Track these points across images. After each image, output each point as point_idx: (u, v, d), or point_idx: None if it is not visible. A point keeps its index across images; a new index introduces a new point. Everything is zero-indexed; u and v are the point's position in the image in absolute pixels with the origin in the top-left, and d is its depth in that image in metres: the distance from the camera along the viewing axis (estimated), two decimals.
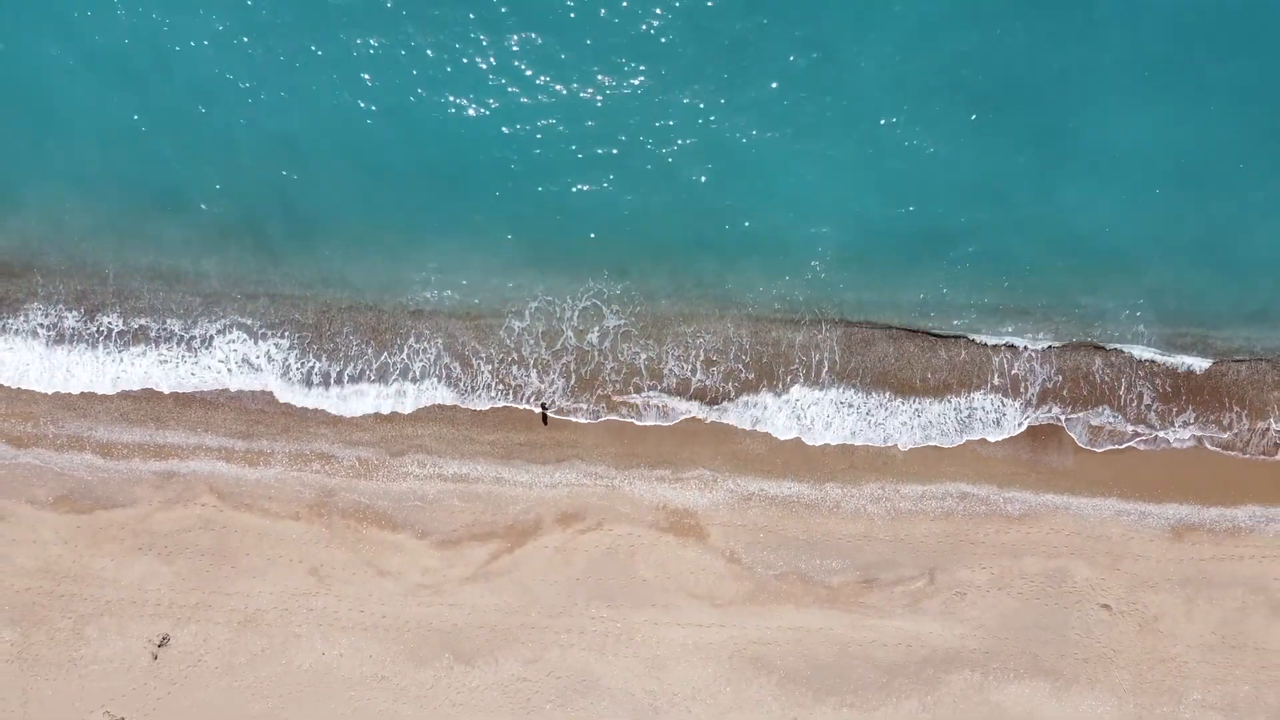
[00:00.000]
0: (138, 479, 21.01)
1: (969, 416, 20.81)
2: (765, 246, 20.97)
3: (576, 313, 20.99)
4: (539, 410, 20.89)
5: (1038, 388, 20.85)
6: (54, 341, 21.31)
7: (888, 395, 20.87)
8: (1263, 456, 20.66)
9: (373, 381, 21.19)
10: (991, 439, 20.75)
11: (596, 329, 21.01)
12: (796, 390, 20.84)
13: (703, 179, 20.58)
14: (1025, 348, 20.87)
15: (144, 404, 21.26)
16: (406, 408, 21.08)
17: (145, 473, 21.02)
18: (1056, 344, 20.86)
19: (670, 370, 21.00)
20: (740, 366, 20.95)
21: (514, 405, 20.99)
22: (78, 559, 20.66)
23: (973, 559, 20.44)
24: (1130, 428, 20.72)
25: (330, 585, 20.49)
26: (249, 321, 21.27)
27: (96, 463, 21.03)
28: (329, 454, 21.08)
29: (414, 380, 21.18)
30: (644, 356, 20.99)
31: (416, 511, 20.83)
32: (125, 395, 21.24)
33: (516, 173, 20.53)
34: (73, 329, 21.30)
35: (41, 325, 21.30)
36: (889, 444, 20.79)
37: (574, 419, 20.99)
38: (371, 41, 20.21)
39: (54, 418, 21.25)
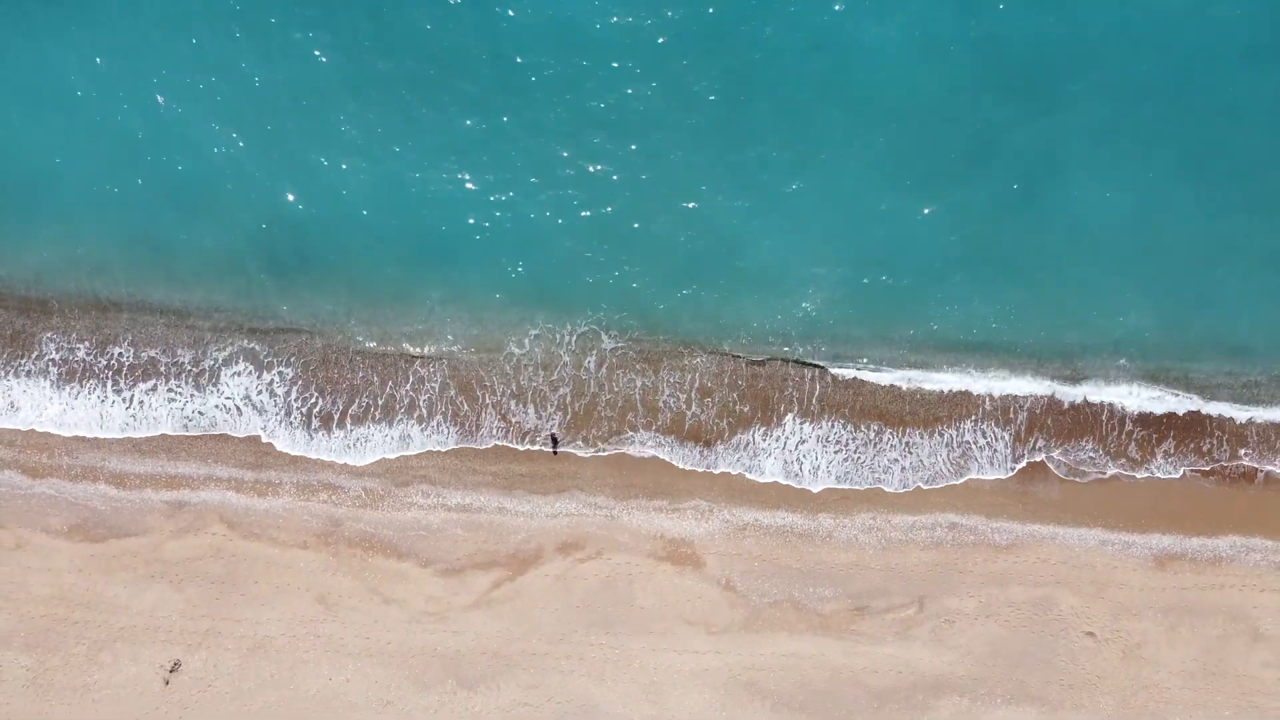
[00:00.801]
0: (150, 509, 21.62)
1: (963, 456, 21.46)
2: (758, 287, 21.66)
3: (575, 338, 21.69)
4: (549, 439, 21.53)
5: (1025, 418, 21.50)
6: (64, 380, 22.01)
7: (875, 431, 21.54)
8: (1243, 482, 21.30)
9: (378, 422, 21.84)
10: (984, 477, 21.43)
11: (593, 355, 21.67)
12: (789, 426, 21.47)
13: (693, 233, 21.42)
14: (1014, 397, 21.54)
15: (156, 436, 21.90)
16: (412, 450, 21.77)
17: (157, 502, 21.63)
18: (1042, 391, 21.52)
19: (665, 403, 21.63)
20: (735, 397, 21.59)
21: (516, 446, 21.66)
22: (91, 586, 21.26)
23: (961, 587, 21.03)
24: (1111, 464, 21.34)
25: (337, 612, 21.08)
26: (254, 348, 21.93)
27: (110, 493, 21.64)
28: (335, 484, 21.68)
29: (419, 419, 21.84)
30: (639, 384, 21.61)
31: (421, 540, 21.42)
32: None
33: (509, 234, 21.48)
34: (83, 363, 21.97)
35: (54, 362, 21.98)
36: (877, 485, 21.48)
37: (574, 451, 21.63)
38: (369, 114, 21.02)
39: (68, 449, 21.86)
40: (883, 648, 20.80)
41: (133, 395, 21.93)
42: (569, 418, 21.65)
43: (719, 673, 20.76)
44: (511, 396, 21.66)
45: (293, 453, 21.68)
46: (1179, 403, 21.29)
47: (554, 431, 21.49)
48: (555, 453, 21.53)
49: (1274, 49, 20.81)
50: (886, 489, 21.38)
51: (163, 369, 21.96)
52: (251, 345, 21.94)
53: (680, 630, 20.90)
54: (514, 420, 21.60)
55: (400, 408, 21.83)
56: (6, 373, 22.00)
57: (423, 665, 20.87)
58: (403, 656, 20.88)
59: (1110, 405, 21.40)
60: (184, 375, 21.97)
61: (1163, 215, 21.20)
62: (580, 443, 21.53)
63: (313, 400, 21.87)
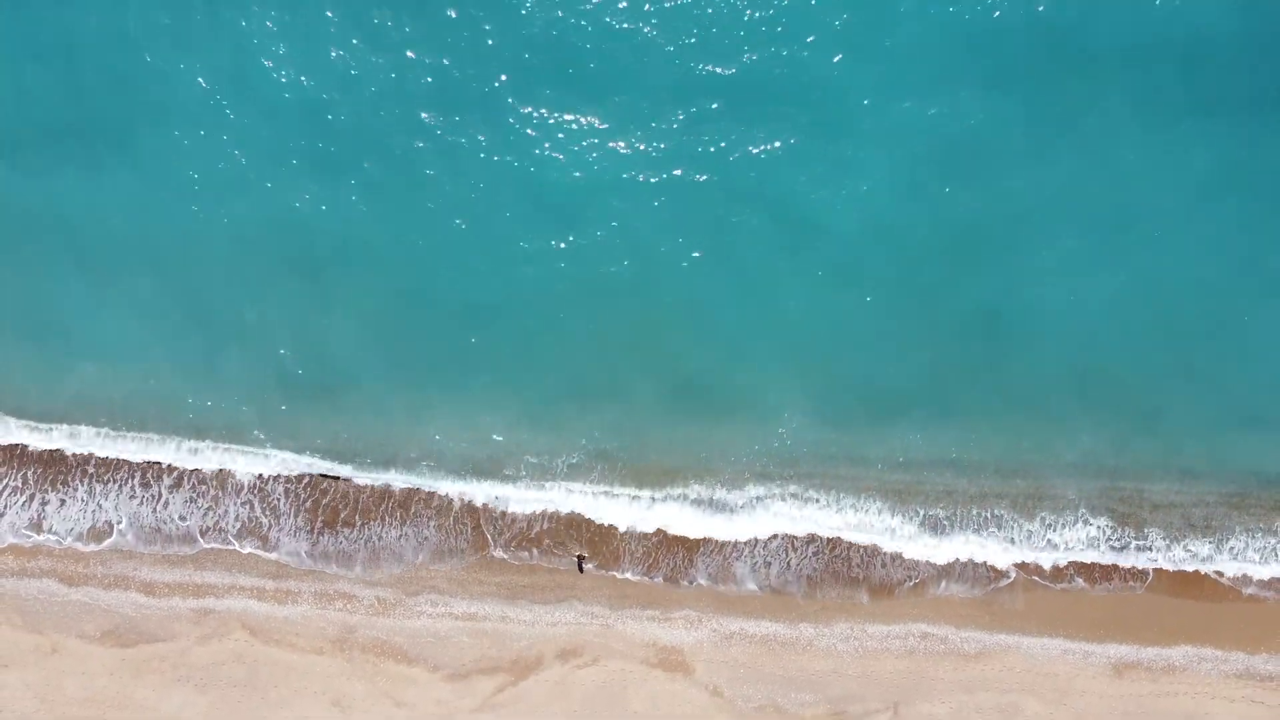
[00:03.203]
0: (177, 616, 23.21)
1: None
2: (734, 410, 23.32)
3: (566, 468, 23.39)
4: (576, 560, 23.16)
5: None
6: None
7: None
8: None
9: (384, 548, 23.58)
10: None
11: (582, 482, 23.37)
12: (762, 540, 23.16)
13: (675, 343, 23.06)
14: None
15: (185, 547, 23.57)
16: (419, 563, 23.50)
17: (184, 610, 23.23)
18: (1004, 510, 23.14)
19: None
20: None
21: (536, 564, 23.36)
22: (122, 689, 22.81)
23: (933, 694, 22.54)
24: (1076, 578, 22.94)
25: (351, 715, 22.62)
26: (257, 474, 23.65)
27: (140, 600, 23.25)
28: (350, 594, 23.29)
29: (425, 541, 23.57)
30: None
31: (429, 646, 22.97)
32: (168, 540, 23.60)
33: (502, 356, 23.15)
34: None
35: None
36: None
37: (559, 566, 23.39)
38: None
39: (102, 559, 23.50)
40: None
41: (161, 503, 23.63)
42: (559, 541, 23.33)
43: None
44: (506, 531, 23.42)
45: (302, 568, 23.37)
46: (1132, 534, 22.91)
47: (580, 553, 23.11)
48: (581, 571, 23.14)
49: (1226, 183, 22.05)
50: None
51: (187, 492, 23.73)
52: (254, 472, 23.59)
53: None
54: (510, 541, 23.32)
55: (402, 534, 23.48)
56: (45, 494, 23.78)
57: None
58: None
59: (1067, 516, 23.01)
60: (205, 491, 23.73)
61: (1121, 341, 22.67)
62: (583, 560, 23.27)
63: (317, 525, 23.54)
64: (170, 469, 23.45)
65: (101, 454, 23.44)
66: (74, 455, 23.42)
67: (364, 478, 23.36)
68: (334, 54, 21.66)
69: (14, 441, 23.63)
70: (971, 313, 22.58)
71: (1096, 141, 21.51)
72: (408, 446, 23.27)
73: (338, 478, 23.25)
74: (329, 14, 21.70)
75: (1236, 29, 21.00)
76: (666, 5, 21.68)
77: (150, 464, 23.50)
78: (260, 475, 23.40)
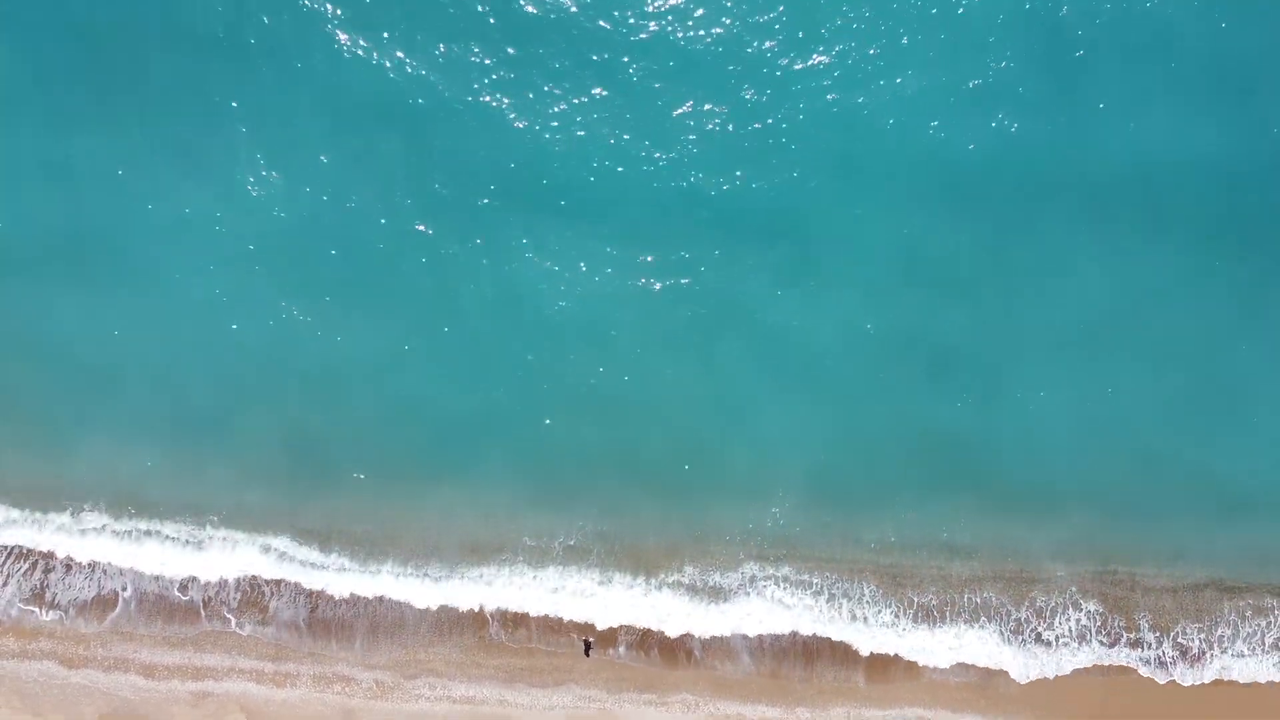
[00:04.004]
0: (176, 698, 23.29)
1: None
2: (728, 492, 23.62)
3: (563, 550, 23.66)
4: (582, 643, 23.32)
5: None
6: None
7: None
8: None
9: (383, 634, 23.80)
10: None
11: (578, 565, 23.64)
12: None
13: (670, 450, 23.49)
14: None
15: (184, 628, 23.71)
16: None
17: (183, 692, 23.31)
18: (995, 593, 23.39)
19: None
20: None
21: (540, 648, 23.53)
22: None
23: None
24: (1070, 658, 23.12)
25: None
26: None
27: (139, 683, 23.33)
28: (349, 676, 23.40)
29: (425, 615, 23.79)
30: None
31: None
32: (169, 619, 23.74)
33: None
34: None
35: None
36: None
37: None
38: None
39: (103, 641, 23.63)
40: None
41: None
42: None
43: None
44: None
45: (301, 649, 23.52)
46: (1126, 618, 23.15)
47: (588, 638, 23.28)
48: (587, 654, 23.28)
49: (1210, 276, 22.72)
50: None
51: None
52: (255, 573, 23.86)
53: None
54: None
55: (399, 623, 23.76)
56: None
57: None
58: None
59: (1063, 602, 23.23)
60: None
61: (1112, 429, 23.13)
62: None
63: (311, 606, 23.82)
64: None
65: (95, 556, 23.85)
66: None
67: (355, 580, 23.71)
68: (321, 167, 22.47)
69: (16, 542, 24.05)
70: (960, 402, 23.13)
71: (1079, 248, 22.36)
72: (404, 533, 23.65)
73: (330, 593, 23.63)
74: (316, 136, 22.53)
75: (1187, 157, 22.07)
76: (655, 126, 22.51)
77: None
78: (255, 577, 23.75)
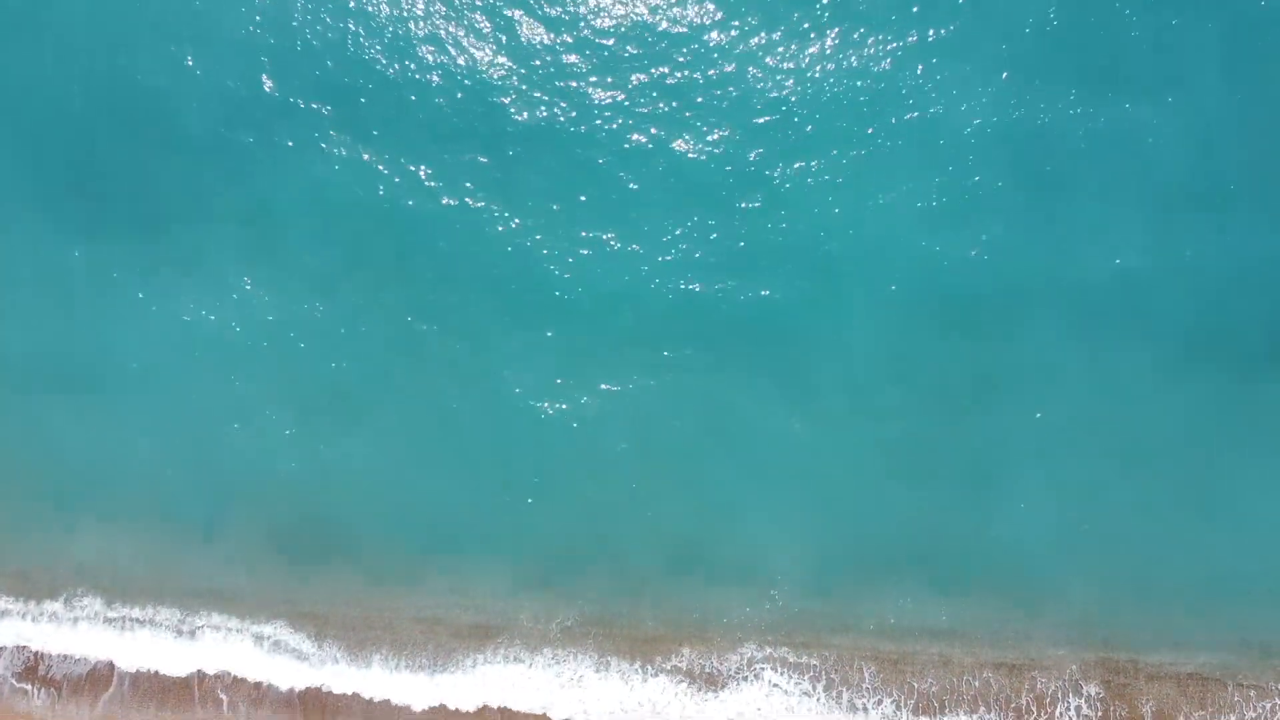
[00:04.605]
0: None
1: None
2: (726, 575, 23.59)
3: (560, 630, 23.52)
4: None
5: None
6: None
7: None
8: None
9: None
10: None
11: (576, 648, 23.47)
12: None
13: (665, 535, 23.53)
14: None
15: (178, 713, 23.56)
16: None
17: None
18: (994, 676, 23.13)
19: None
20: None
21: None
22: None
23: None
24: None
25: None
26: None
27: None
28: None
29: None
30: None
31: None
32: (163, 701, 23.61)
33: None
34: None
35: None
36: None
37: None
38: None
39: None
40: None
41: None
42: None
43: None
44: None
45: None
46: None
47: None
48: None
49: (1197, 377, 22.77)
50: None
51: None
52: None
53: None
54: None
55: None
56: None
57: None
58: None
59: (1061, 692, 22.96)
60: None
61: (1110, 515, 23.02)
62: None
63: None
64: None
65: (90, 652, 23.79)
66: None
67: (346, 672, 23.56)
68: (311, 269, 23.06)
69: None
70: (962, 480, 23.10)
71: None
72: (398, 621, 23.58)
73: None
74: (306, 239, 23.17)
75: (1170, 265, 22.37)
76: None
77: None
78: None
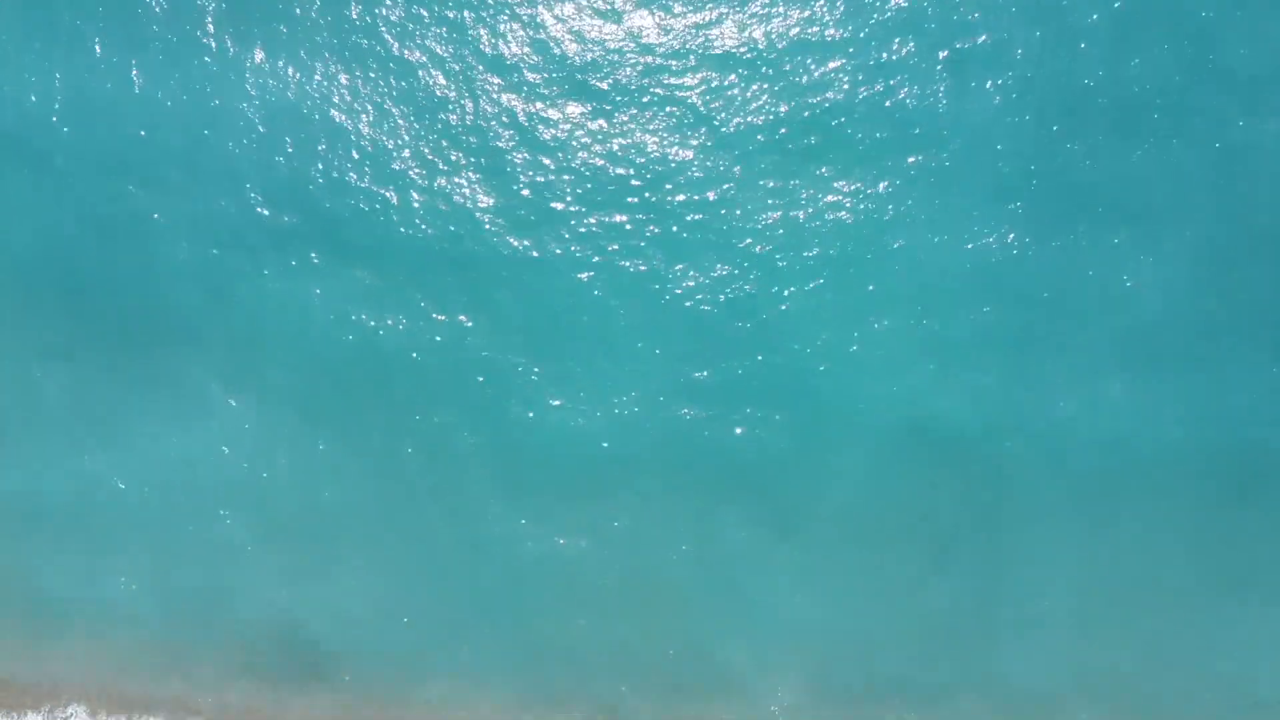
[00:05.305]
0: None
1: None
2: (726, 689, 23.18)
3: None
4: None
5: None
6: None
7: None
8: None
9: None
10: None
11: None
12: None
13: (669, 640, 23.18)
14: None
15: None
16: None
17: None
18: None
19: None
20: None
21: None
22: None
23: None
24: None
25: None
26: None
27: None
28: None
29: None
30: None
31: None
32: None
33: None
34: None
35: None
36: None
37: None
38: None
39: None
40: None
41: None
42: None
43: None
44: None
45: None
46: None
47: None
48: None
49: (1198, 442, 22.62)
50: None
51: None
52: None
53: None
54: None
55: None
56: None
57: None
58: None
59: None
60: None
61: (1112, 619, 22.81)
62: None
63: None
64: None
65: None
66: None
67: None
68: (296, 412, 22.97)
69: None
70: (964, 596, 22.88)
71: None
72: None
73: None
74: (289, 381, 23.01)
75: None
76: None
77: None
78: None
